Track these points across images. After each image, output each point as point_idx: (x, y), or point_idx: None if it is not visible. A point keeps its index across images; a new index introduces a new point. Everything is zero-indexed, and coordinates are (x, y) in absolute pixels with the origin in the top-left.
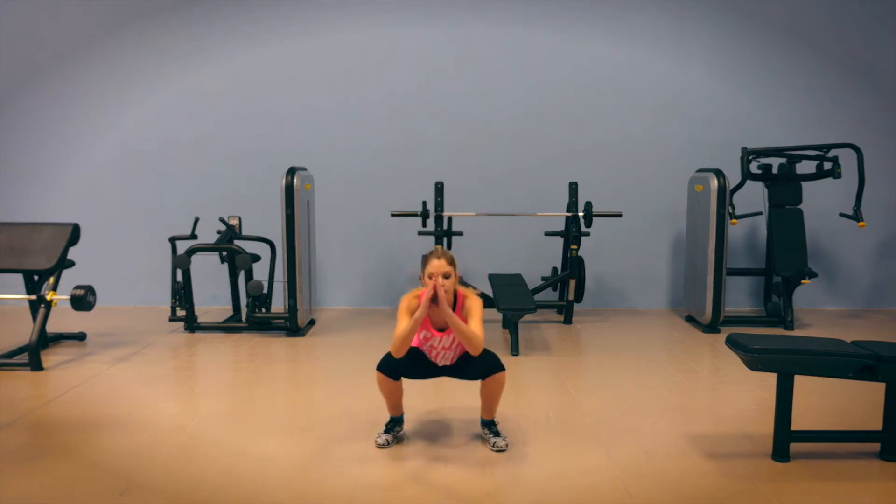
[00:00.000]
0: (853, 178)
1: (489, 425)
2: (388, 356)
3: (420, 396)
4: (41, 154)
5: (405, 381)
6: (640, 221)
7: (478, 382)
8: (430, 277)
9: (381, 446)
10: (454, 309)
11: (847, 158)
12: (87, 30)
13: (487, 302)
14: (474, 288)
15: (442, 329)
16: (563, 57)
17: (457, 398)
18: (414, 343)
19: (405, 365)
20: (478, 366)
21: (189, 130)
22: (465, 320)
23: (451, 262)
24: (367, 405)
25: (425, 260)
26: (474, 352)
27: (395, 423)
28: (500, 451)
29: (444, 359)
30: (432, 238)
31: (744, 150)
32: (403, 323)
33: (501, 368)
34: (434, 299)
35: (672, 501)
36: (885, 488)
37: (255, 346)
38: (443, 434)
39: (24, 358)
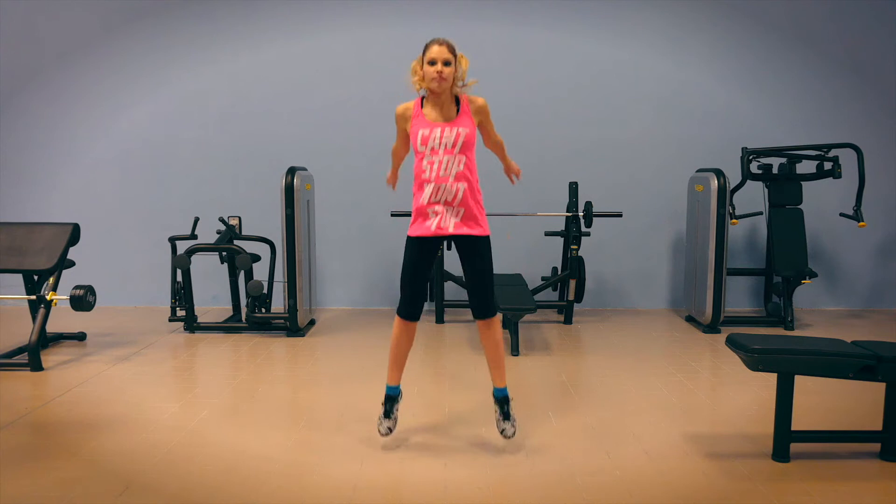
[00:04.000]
0: (853, 178)
1: (502, 403)
2: (401, 298)
3: (420, 397)
4: (41, 154)
5: (409, 378)
6: (640, 221)
7: (480, 381)
8: (432, 64)
9: (385, 434)
10: (457, 112)
11: (847, 158)
12: (87, 30)
13: None
14: None
15: (446, 120)
16: (563, 56)
17: (458, 398)
18: (414, 144)
19: (417, 276)
20: (472, 289)
21: (189, 130)
22: (475, 123)
23: (453, 50)
24: (367, 405)
25: (424, 48)
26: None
27: (392, 402)
28: (508, 438)
29: (445, 171)
30: None
31: (744, 150)
32: (399, 140)
33: (493, 313)
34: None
35: (672, 501)
36: (885, 488)
37: (255, 346)
38: (443, 434)
39: (24, 358)
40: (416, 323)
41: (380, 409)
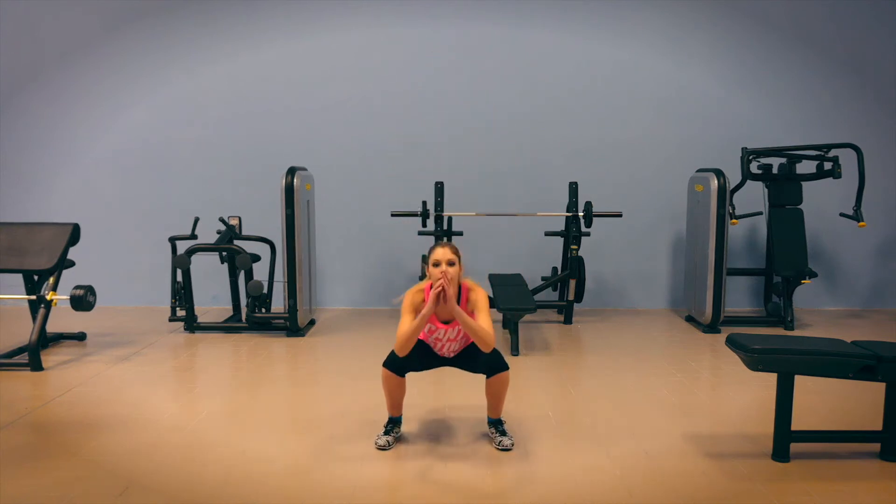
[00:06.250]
0: (853, 178)
1: (496, 424)
2: (394, 353)
3: (421, 396)
4: (41, 154)
5: (409, 378)
6: (640, 221)
7: (481, 381)
8: (436, 265)
9: (382, 448)
10: (458, 301)
11: (847, 158)
12: (87, 30)
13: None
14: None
15: (447, 322)
16: (563, 56)
17: (457, 398)
18: (419, 336)
19: (411, 360)
20: (483, 363)
21: (189, 130)
22: (472, 314)
23: (456, 251)
24: (367, 405)
25: (430, 250)
26: (485, 348)
27: (393, 425)
28: (506, 449)
29: (449, 350)
30: (432, 238)
31: (744, 150)
32: (407, 320)
33: (505, 367)
34: (441, 296)
35: (672, 501)
36: (885, 488)
37: (255, 347)
38: (443, 434)
39: (24, 358)
40: (404, 378)
41: (381, 422)
